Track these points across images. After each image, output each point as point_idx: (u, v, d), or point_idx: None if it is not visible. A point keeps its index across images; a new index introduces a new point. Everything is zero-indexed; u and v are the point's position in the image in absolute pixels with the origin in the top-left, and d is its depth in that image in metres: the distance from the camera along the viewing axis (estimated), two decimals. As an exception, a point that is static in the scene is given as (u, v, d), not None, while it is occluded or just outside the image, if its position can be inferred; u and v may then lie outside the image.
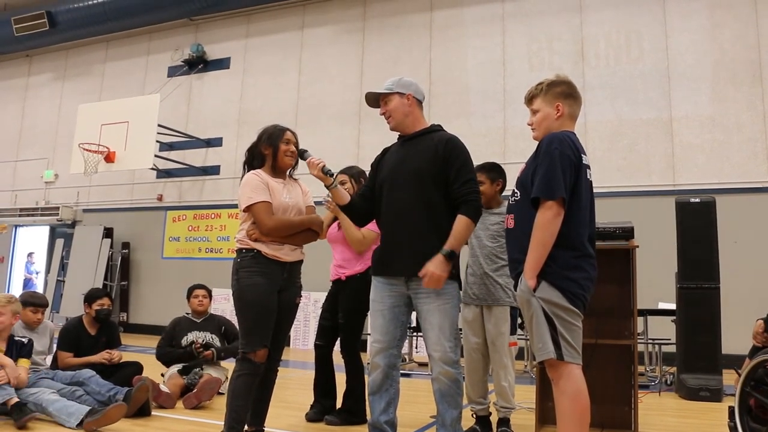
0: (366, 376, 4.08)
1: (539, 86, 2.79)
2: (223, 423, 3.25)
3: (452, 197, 3.03)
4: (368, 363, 3.29)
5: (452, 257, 2.94)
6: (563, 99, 2.73)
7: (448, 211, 3.03)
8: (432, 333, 3.01)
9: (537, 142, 2.72)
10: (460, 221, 2.98)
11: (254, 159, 3.45)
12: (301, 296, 3.49)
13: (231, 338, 5.23)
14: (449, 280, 3.02)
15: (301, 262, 3.43)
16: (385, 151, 3.34)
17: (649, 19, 9.35)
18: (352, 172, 4.41)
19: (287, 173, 3.48)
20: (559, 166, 2.52)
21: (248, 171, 3.44)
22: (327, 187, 3.27)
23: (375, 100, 3.28)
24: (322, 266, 5.03)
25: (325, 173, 3.23)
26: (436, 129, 3.24)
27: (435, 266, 2.89)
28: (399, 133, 3.31)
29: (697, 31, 9.07)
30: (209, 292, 5.42)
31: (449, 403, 3.02)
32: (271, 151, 3.40)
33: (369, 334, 3.24)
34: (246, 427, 3.32)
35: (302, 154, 3.38)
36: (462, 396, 3.09)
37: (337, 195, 3.29)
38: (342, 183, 4.28)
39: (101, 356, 4.68)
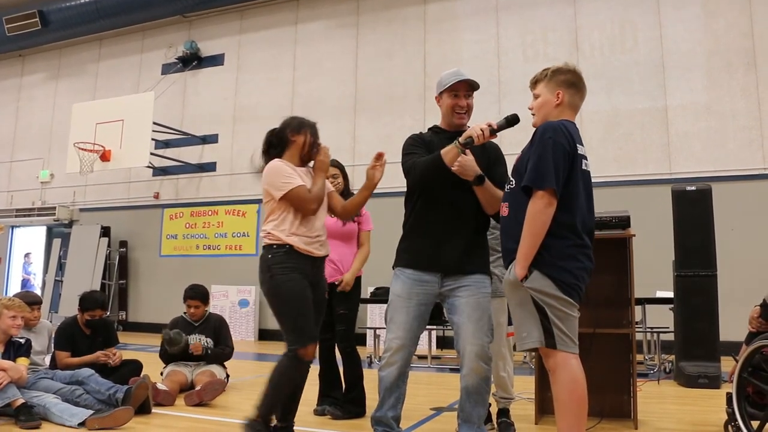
0: (364, 368, 4.11)
1: (545, 71, 2.78)
2: (252, 415, 3.06)
3: None
4: (378, 357, 3.27)
5: (482, 181, 2.94)
6: (565, 87, 2.72)
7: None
8: (470, 326, 2.89)
9: (533, 132, 2.71)
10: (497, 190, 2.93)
11: (279, 144, 3.35)
12: (327, 291, 3.40)
13: (220, 341, 5.17)
14: (484, 275, 2.99)
15: (327, 256, 3.32)
16: (427, 137, 3.15)
17: (642, 8, 9.34)
18: (341, 165, 4.38)
19: (307, 163, 3.40)
20: (552, 156, 2.49)
21: (267, 158, 3.32)
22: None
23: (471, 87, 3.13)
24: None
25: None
26: None
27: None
28: (443, 127, 3.17)
29: (691, 20, 9.07)
30: (203, 299, 5.19)
31: (477, 401, 2.92)
32: (301, 140, 3.34)
33: (384, 328, 3.15)
34: (276, 422, 3.19)
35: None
36: (489, 394, 3.01)
37: None
38: (334, 176, 4.27)
39: (96, 356, 4.64)
